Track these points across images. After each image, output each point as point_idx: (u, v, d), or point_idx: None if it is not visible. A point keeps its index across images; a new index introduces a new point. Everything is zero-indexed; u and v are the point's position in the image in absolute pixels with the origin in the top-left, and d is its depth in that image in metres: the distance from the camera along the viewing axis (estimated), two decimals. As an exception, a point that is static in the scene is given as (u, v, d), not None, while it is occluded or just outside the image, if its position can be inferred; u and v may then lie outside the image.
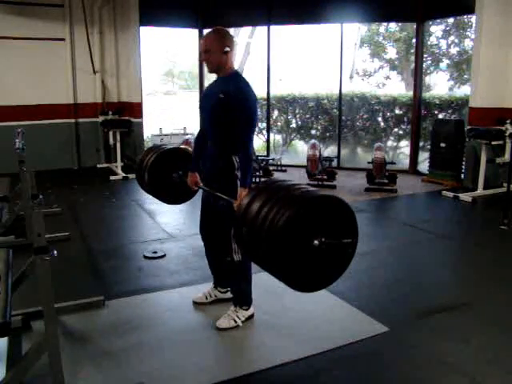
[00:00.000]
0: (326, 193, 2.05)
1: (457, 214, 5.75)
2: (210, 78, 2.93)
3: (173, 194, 3.25)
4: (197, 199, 3.18)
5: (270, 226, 1.90)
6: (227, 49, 2.62)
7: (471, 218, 5.64)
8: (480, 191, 6.20)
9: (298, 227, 1.89)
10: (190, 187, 2.99)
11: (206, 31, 2.82)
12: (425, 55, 8.32)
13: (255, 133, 2.57)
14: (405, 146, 8.98)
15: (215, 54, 2.62)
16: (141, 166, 3.23)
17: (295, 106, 9.80)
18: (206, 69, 2.86)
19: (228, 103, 2.59)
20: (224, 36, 2.65)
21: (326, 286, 2.11)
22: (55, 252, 2.04)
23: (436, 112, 8.41)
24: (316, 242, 1.92)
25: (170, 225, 4.94)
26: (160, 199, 3.34)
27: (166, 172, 3.17)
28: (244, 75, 2.75)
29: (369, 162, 6.63)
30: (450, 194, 6.21)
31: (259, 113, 10.16)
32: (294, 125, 10.05)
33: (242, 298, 2.86)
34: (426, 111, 8.32)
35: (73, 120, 7.96)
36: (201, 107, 2.89)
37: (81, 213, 5.45)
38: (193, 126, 9.54)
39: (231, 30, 13.75)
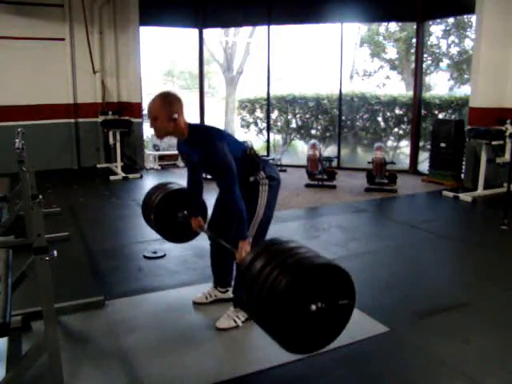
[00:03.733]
0: (324, 261, 2.06)
1: (457, 213, 5.75)
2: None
3: (179, 234, 3.31)
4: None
5: (270, 289, 1.94)
6: (175, 116, 2.52)
7: (471, 218, 5.64)
8: (480, 191, 6.20)
9: (296, 293, 1.94)
10: (195, 230, 3.06)
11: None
12: (425, 55, 8.33)
13: (235, 181, 2.54)
14: (405, 145, 8.98)
15: (163, 121, 2.54)
16: (147, 206, 3.30)
17: (295, 106, 9.80)
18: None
19: (203, 162, 2.67)
20: (171, 102, 2.54)
21: (319, 349, 2.11)
22: (55, 252, 2.04)
23: (436, 112, 8.41)
24: (314, 307, 1.96)
25: (170, 225, 4.94)
26: (167, 239, 3.40)
27: (172, 212, 3.24)
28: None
29: (369, 162, 6.63)
30: (450, 194, 6.21)
31: (261, 114, 10.18)
32: (294, 125, 10.05)
33: (243, 299, 2.86)
34: (426, 111, 8.32)
35: (73, 120, 7.96)
36: (183, 157, 2.93)
37: (81, 213, 5.45)
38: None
39: (231, 30, 13.78)
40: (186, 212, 3.17)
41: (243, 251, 2.53)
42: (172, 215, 3.22)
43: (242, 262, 2.21)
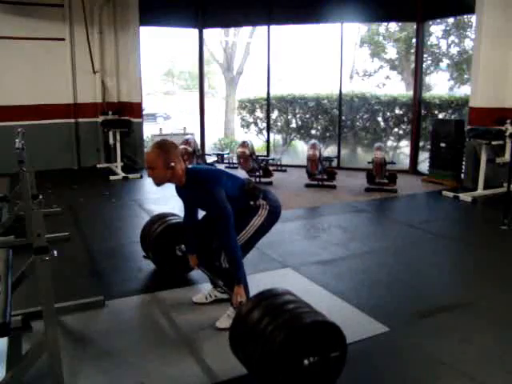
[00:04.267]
0: (317, 318, 2.12)
1: (457, 214, 5.75)
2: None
3: (176, 267, 3.46)
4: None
5: (264, 346, 2.02)
6: (172, 164, 2.58)
7: (471, 218, 5.64)
8: (480, 191, 6.20)
9: (290, 349, 2.01)
10: (192, 267, 3.11)
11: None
12: (425, 55, 8.33)
13: (231, 223, 2.60)
14: (405, 145, 8.99)
15: (160, 170, 2.59)
16: (146, 238, 3.51)
17: (295, 105, 9.81)
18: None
19: (202, 204, 2.81)
20: (167, 152, 2.59)
21: None
22: (55, 252, 2.04)
23: (436, 112, 8.40)
24: (306, 361, 2.03)
25: (169, 225, 4.94)
26: (164, 271, 3.56)
27: (170, 245, 3.41)
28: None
29: (369, 162, 6.63)
30: (450, 194, 6.21)
31: (261, 114, 10.18)
32: (294, 125, 10.06)
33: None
34: (426, 111, 8.32)
35: (73, 120, 7.96)
36: (181, 198, 2.93)
37: (81, 213, 5.45)
38: (192, 127, 9.55)
39: (231, 30, 13.79)
40: (182, 246, 3.34)
41: (238, 296, 2.58)
42: (170, 248, 3.41)
43: (237, 312, 2.32)
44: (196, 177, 2.71)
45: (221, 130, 13.54)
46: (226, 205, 2.60)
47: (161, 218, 3.63)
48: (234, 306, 2.62)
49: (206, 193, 2.61)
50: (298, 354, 2.04)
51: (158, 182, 2.68)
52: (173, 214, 3.68)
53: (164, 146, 2.62)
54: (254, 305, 2.21)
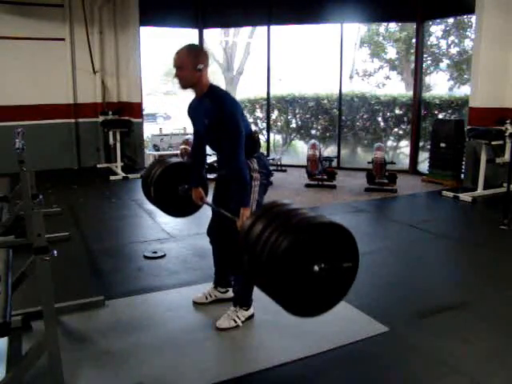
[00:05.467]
0: (325, 219, 2.01)
1: (457, 214, 5.75)
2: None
3: (179, 208, 3.26)
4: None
5: (271, 251, 1.90)
6: (200, 66, 2.52)
7: (471, 218, 5.64)
8: (480, 191, 6.20)
9: (297, 253, 1.89)
10: (195, 202, 3.00)
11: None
12: (425, 55, 8.32)
13: (242, 146, 2.53)
14: (405, 146, 8.98)
15: (187, 71, 2.53)
16: (147, 181, 3.24)
17: (295, 105, 9.80)
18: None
19: (212, 126, 2.59)
20: (198, 53, 2.57)
21: (326, 311, 2.08)
22: (55, 252, 2.04)
23: (436, 112, 8.40)
24: (316, 267, 1.92)
25: (169, 225, 4.94)
26: (167, 213, 3.36)
27: (172, 186, 3.18)
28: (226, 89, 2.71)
29: (369, 162, 6.63)
30: (450, 194, 6.21)
31: (260, 114, 10.17)
32: (293, 125, 10.06)
33: (243, 299, 2.86)
34: (425, 111, 8.32)
35: (73, 120, 7.96)
36: (192, 122, 2.85)
37: (81, 213, 5.45)
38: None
39: (231, 30, 13.79)
40: (186, 186, 3.11)
41: (245, 218, 2.47)
42: (172, 189, 3.16)
43: (242, 228, 2.16)
44: (218, 91, 2.64)
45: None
46: (241, 123, 2.53)
47: (160, 161, 3.44)
48: (239, 228, 2.45)
49: (223, 106, 2.52)
50: (308, 258, 1.92)
51: (184, 85, 2.60)
52: (174, 158, 3.47)
53: (194, 47, 2.62)
54: (258, 216, 2.08)
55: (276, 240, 1.89)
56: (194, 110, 2.77)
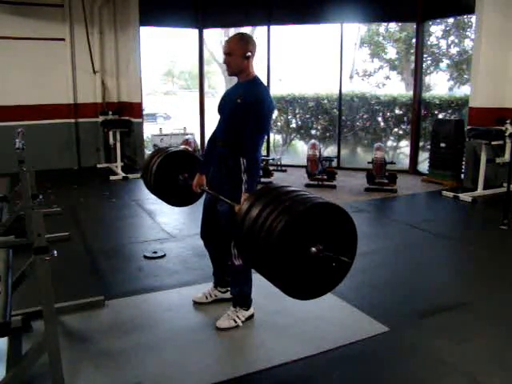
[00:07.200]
0: (323, 200, 2.00)
1: (457, 214, 5.75)
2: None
3: (178, 197, 3.25)
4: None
5: (268, 232, 1.90)
6: (249, 54, 2.66)
7: (471, 218, 5.64)
8: (480, 191, 6.20)
9: (294, 234, 1.89)
10: (194, 190, 2.96)
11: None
12: (425, 55, 8.33)
13: (264, 139, 2.59)
14: (405, 146, 8.98)
15: (236, 57, 2.66)
16: (147, 169, 3.23)
17: (295, 105, 9.80)
18: (224, 72, 2.91)
19: (243, 108, 2.62)
20: (247, 41, 2.69)
21: (324, 293, 2.09)
22: (55, 252, 2.04)
23: (436, 112, 8.40)
24: (313, 249, 1.92)
25: (169, 225, 4.94)
26: (165, 201, 3.34)
27: (172, 174, 3.17)
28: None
29: (369, 162, 6.63)
30: (450, 194, 6.21)
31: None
32: (293, 125, 10.06)
33: (243, 299, 2.87)
34: (425, 111, 8.32)
35: (73, 120, 7.96)
36: (219, 110, 2.86)
37: (81, 213, 5.45)
38: (192, 127, 9.54)
39: (231, 30, 13.80)
40: (186, 175, 3.11)
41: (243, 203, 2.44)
42: (172, 177, 3.16)
43: (239, 211, 2.16)
44: (260, 84, 2.73)
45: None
46: (269, 122, 2.68)
47: (161, 150, 3.41)
48: (237, 211, 2.41)
49: (260, 99, 2.60)
50: (305, 239, 1.91)
51: (232, 71, 2.73)
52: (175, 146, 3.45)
53: (245, 35, 2.74)
54: (255, 198, 2.09)
55: (273, 220, 1.90)
56: (229, 92, 2.85)
